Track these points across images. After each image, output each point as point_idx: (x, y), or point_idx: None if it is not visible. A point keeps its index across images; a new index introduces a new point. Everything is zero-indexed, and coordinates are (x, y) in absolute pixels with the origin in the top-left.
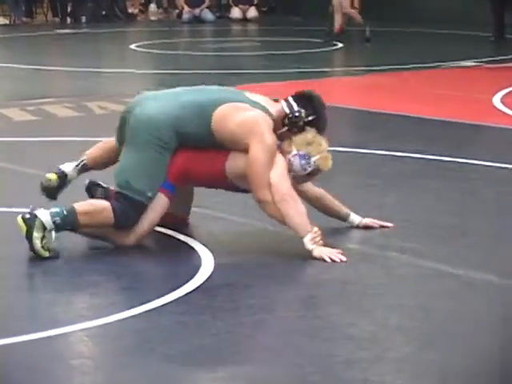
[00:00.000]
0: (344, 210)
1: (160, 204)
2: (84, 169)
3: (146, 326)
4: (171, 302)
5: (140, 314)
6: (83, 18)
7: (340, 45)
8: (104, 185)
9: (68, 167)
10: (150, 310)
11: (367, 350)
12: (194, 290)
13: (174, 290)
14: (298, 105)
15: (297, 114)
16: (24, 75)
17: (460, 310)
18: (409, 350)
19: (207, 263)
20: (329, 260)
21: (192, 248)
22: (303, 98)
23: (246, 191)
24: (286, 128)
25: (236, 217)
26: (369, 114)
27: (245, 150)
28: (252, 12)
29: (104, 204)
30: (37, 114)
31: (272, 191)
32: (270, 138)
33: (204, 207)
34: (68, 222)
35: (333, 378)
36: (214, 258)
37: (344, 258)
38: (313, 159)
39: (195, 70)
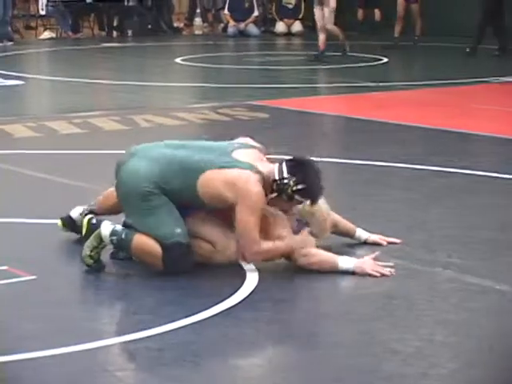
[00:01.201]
0: (349, 227)
1: (205, 219)
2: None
3: (190, 339)
4: (215, 315)
5: (184, 326)
6: (129, 32)
7: (385, 59)
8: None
9: (75, 213)
10: (194, 323)
11: (412, 365)
12: (238, 304)
13: (219, 303)
14: (289, 171)
15: (285, 182)
16: (70, 88)
17: (505, 326)
18: (454, 366)
19: (251, 277)
20: (377, 274)
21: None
22: (295, 164)
23: None
24: (275, 194)
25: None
26: (414, 129)
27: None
28: (297, 26)
29: (158, 250)
30: (83, 126)
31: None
32: (256, 196)
33: None
34: (121, 246)
35: None
36: (259, 272)
37: (392, 270)
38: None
39: (240, 84)
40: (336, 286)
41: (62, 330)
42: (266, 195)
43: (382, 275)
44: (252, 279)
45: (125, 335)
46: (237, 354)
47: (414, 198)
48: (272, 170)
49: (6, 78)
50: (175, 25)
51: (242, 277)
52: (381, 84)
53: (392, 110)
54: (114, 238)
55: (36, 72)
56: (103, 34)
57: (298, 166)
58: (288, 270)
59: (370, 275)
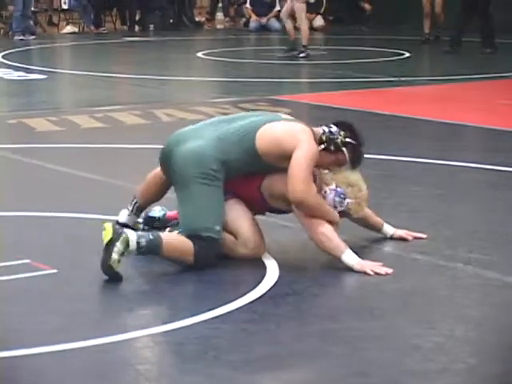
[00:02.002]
0: (377, 220)
1: (233, 208)
2: (139, 210)
3: (211, 333)
4: (236, 309)
5: (205, 320)
6: (151, 27)
7: (407, 54)
8: (157, 215)
9: (123, 217)
10: (214, 317)
11: (433, 361)
12: (258, 298)
13: (239, 297)
14: (338, 127)
15: (334, 132)
16: (92, 82)
17: None
18: (475, 361)
19: (272, 271)
20: (371, 273)
21: None
22: (343, 124)
23: (279, 212)
24: (323, 146)
25: (301, 225)
26: (440, 124)
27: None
28: (319, 21)
29: (189, 245)
30: (105, 121)
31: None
32: (314, 145)
33: (269, 215)
34: (151, 247)
35: None
36: (279, 267)
37: (390, 270)
38: (347, 200)
39: (261, 79)
40: (358, 281)
41: (84, 324)
42: None
43: (377, 274)
44: (273, 273)
45: (145, 329)
46: (258, 349)
47: (441, 193)
48: (318, 128)
49: (28, 72)
50: (197, 19)
51: (262, 271)
52: (403, 79)
53: (416, 105)
54: (143, 240)
55: (58, 66)
56: (125, 28)
57: (346, 125)
58: (310, 264)
59: (366, 273)
